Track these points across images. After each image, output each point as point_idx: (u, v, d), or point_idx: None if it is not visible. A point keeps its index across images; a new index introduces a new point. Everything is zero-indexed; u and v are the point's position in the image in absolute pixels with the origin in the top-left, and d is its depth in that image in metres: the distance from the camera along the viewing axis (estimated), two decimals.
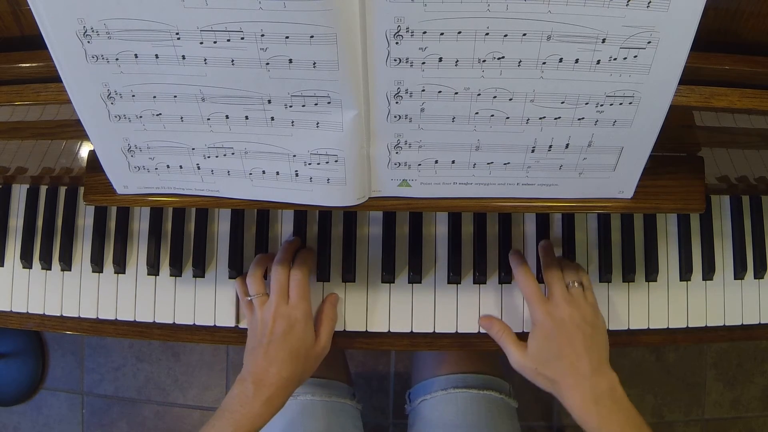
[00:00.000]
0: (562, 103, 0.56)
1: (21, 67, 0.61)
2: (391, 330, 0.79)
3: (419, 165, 0.63)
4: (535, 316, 0.72)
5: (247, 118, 0.58)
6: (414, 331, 0.79)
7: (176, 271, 0.81)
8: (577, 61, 0.53)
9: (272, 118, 0.58)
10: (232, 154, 0.62)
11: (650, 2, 0.49)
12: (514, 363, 0.73)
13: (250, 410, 0.69)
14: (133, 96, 0.57)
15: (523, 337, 0.75)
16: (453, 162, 0.62)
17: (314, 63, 0.53)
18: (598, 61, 0.53)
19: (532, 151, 0.61)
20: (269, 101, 0.57)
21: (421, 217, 0.80)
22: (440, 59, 0.53)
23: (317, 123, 0.58)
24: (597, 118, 0.58)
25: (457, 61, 0.53)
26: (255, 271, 0.76)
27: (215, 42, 0.52)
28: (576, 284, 0.73)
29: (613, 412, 0.66)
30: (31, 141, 0.73)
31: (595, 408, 0.66)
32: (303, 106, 0.57)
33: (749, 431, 1.63)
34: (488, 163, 0.63)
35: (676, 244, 0.81)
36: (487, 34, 0.51)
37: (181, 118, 0.59)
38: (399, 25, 0.50)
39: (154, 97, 0.57)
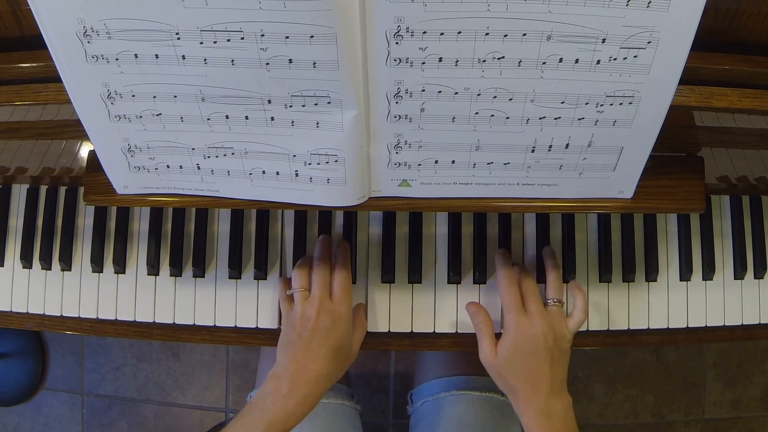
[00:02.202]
0: (562, 103, 0.56)
1: (21, 67, 0.61)
2: (391, 330, 0.79)
3: (419, 165, 0.63)
4: (509, 325, 0.71)
5: (247, 118, 0.58)
6: (414, 331, 0.79)
7: (176, 271, 0.81)
8: (577, 61, 0.53)
9: (272, 118, 0.58)
10: (232, 154, 0.62)
11: (650, 2, 0.49)
12: (482, 358, 0.73)
13: (283, 409, 0.67)
14: (133, 96, 0.57)
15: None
16: (453, 162, 0.62)
17: (314, 63, 0.53)
18: (598, 61, 0.53)
19: (532, 151, 0.61)
20: (269, 101, 0.57)
21: (421, 217, 0.80)
22: (440, 59, 0.53)
23: (317, 123, 0.58)
24: (597, 118, 0.58)
25: (457, 61, 0.53)
26: (302, 266, 0.74)
27: (215, 42, 0.52)
28: (555, 302, 0.73)
29: (561, 431, 0.68)
30: (31, 141, 0.73)
31: (546, 423, 0.68)
32: (303, 106, 0.57)
33: (749, 431, 1.63)
34: (488, 163, 0.63)
35: (676, 244, 0.81)
36: (487, 34, 0.51)
37: (181, 118, 0.59)
38: (399, 25, 0.50)
39: (154, 97, 0.57)
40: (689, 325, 0.80)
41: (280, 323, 0.79)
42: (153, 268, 0.81)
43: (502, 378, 0.72)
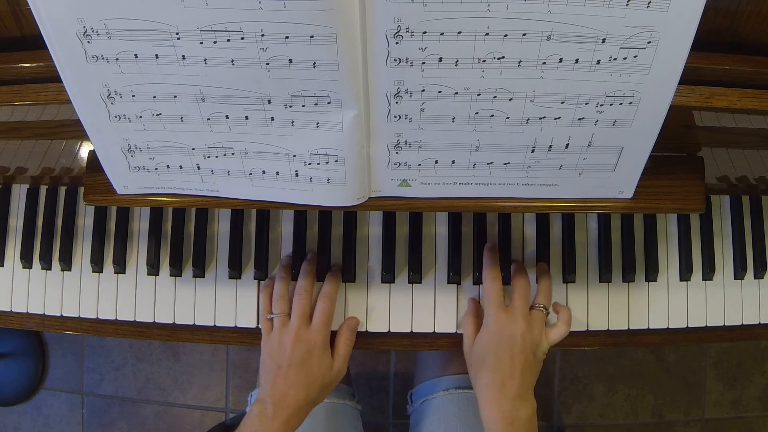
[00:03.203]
0: (562, 103, 0.56)
1: (21, 67, 0.61)
2: (391, 330, 0.79)
3: (419, 165, 0.63)
4: (488, 320, 0.72)
5: (247, 118, 0.58)
6: (414, 331, 0.79)
7: (176, 271, 0.81)
8: (577, 61, 0.53)
9: (272, 118, 0.58)
10: (232, 154, 0.62)
11: (650, 2, 0.49)
12: (464, 347, 0.76)
13: (269, 429, 0.70)
14: (133, 96, 0.57)
15: None
16: (453, 162, 0.62)
17: (314, 63, 0.53)
18: (598, 61, 0.53)
19: (532, 151, 0.61)
20: (269, 101, 0.57)
21: (421, 217, 0.80)
22: (440, 59, 0.53)
23: (317, 123, 0.58)
24: (597, 118, 0.58)
25: (457, 61, 0.53)
26: (281, 290, 0.76)
27: (215, 42, 0.52)
28: (542, 308, 0.74)
29: None
30: (31, 141, 0.74)
31: (509, 429, 0.68)
32: (303, 106, 0.57)
33: (749, 431, 1.63)
34: (488, 163, 0.63)
35: (676, 244, 0.81)
36: (487, 34, 0.51)
37: (181, 118, 0.59)
38: (399, 25, 0.50)
39: (154, 97, 0.57)
40: (689, 325, 0.80)
41: None
42: (153, 268, 0.81)
43: (473, 370, 0.73)
